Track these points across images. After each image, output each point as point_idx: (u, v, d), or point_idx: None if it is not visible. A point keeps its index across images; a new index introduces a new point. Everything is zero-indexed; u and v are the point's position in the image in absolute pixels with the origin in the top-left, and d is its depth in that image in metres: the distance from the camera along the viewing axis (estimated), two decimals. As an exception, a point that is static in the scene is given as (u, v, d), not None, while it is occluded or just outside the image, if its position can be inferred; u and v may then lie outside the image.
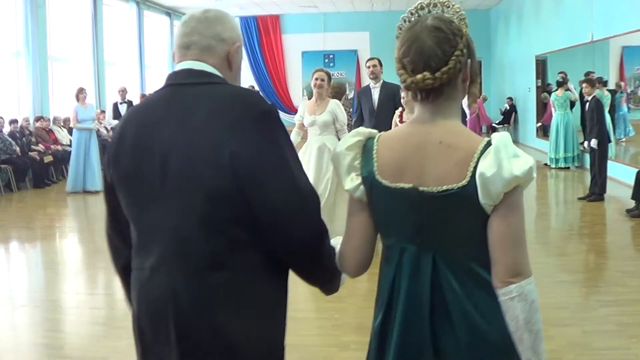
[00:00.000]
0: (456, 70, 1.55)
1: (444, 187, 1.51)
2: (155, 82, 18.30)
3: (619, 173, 10.20)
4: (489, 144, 1.51)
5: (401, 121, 5.94)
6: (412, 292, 1.57)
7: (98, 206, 9.53)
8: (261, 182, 1.54)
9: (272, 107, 1.66)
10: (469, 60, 1.59)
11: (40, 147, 11.70)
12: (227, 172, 1.53)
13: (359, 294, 5.01)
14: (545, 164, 12.39)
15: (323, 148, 6.35)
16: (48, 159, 11.64)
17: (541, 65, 14.98)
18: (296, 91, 21.71)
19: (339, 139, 5.85)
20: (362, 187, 1.63)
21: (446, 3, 1.63)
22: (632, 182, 8.08)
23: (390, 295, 1.64)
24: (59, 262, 6.56)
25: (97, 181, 10.62)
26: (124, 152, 1.67)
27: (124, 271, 1.80)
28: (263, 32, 21.49)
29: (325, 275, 1.79)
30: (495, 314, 1.52)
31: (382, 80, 6.84)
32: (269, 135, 1.59)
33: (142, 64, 17.00)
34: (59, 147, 12.23)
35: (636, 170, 8.07)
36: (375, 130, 1.69)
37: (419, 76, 1.54)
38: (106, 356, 3.97)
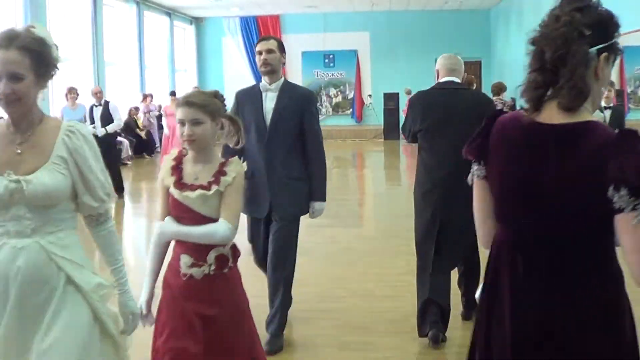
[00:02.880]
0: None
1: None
2: (155, 82, 18.31)
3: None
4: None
5: None
6: None
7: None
8: None
9: (492, 101, 4.45)
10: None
11: (40, 147, 11.71)
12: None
13: (359, 294, 5.02)
14: None
15: None
16: (48, 159, 11.63)
17: (541, 65, 15.00)
18: (296, 91, 21.70)
19: None
20: None
21: None
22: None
23: None
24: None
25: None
26: (431, 113, 3.91)
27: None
28: (263, 32, 21.46)
29: None
30: None
31: (282, 79, 3.96)
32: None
33: (142, 64, 17.00)
34: (59, 147, 12.23)
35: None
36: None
37: None
38: (106, 356, 3.97)
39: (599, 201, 1.55)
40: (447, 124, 3.82)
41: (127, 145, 14.74)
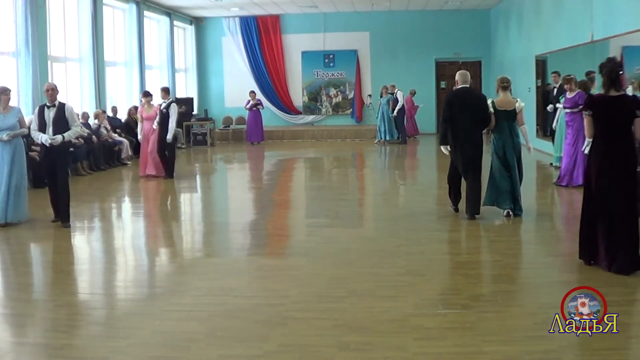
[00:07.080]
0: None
1: (511, 108, 7.71)
2: (156, 82, 18.30)
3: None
4: (516, 100, 7.92)
5: None
6: (506, 133, 7.76)
7: (95, 207, 9.54)
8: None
9: (485, 96, 8.29)
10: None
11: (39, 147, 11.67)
12: (485, 110, 7.72)
13: (359, 294, 5.02)
14: (551, 164, 12.13)
15: None
16: (48, 159, 11.54)
17: (541, 65, 14.97)
18: (296, 91, 21.71)
19: None
20: (493, 110, 7.69)
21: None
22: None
23: (505, 135, 7.73)
24: (59, 262, 6.56)
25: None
26: (458, 102, 7.70)
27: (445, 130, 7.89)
28: (263, 32, 21.49)
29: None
30: (519, 134, 7.84)
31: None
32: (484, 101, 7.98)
33: (142, 64, 16.99)
34: (59, 147, 12.13)
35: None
36: (492, 99, 7.90)
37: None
38: (106, 356, 3.97)
39: (633, 116, 5.40)
40: (466, 109, 7.57)
41: (127, 145, 14.72)
